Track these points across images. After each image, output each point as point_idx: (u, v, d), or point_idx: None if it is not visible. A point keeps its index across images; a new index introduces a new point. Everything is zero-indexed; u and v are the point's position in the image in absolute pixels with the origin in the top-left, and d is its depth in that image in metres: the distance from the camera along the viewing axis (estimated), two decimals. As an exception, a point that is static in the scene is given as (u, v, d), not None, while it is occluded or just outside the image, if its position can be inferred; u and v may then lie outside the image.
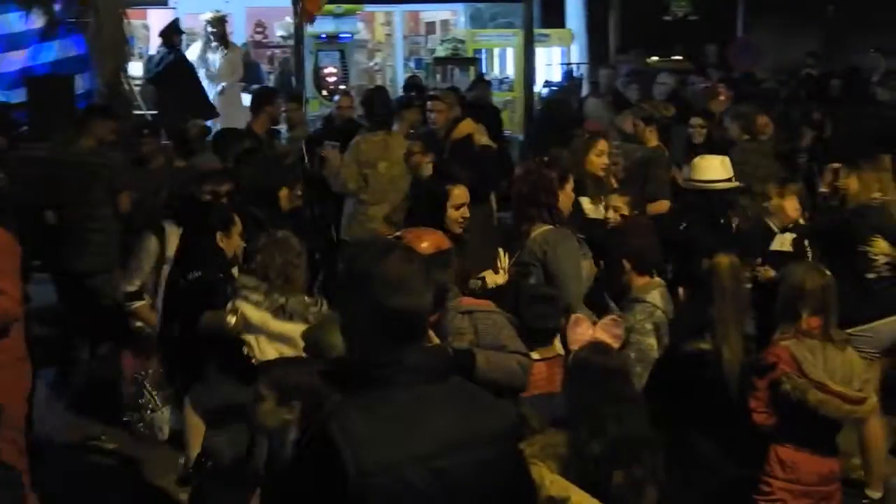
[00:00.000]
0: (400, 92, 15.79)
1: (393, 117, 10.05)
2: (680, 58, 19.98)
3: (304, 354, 4.49)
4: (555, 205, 5.92)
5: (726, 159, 7.42)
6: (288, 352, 5.15)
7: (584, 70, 19.49)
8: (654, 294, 5.58)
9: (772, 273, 6.57)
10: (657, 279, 5.71)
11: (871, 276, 6.69)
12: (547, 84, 18.19)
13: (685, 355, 5.00)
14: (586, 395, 4.25)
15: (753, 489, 5.01)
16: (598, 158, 7.48)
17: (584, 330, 4.69)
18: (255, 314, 5.32)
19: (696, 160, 7.15)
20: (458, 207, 5.71)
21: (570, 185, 6.17)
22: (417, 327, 2.90)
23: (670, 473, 4.27)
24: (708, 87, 13.93)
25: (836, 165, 6.93)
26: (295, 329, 5.16)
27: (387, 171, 9.11)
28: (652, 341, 5.46)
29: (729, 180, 7.17)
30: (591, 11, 20.24)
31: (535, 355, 5.02)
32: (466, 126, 9.69)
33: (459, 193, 5.74)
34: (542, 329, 5.26)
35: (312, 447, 2.77)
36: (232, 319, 5.28)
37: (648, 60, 18.79)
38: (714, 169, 7.14)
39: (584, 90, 17.25)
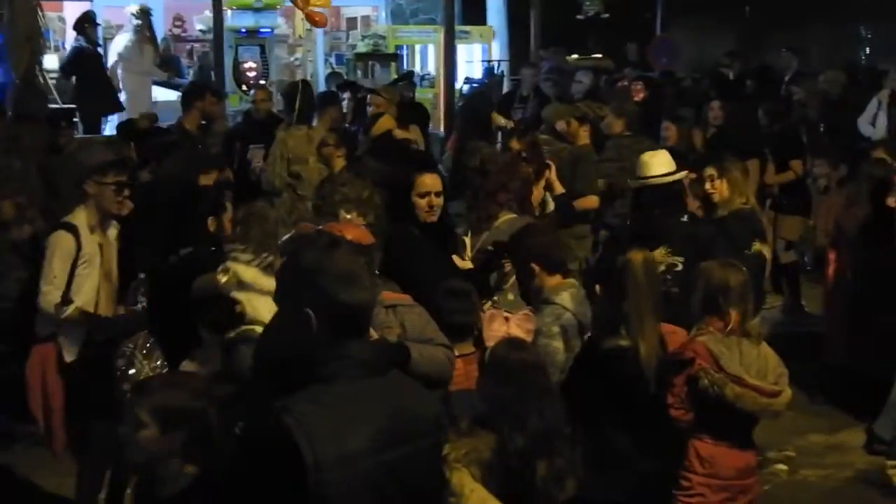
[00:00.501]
0: (322, 87, 15.76)
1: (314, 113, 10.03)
2: (600, 56, 20.15)
3: None
4: (527, 196, 5.94)
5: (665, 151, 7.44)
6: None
7: (504, 67, 19.55)
8: (563, 296, 5.49)
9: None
10: (569, 280, 5.64)
11: None
12: (468, 81, 18.20)
13: (603, 351, 5.01)
14: (506, 390, 4.28)
15: (671, 483, 5.05)
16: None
17: (499, 326, 4.72)
18: (247, 272, 5.31)
19: (646, 157, 7.04)
20: (422, 196, 5.70)
21: (543, 182, 6.29)
22: (365, 322, 2.94)
23: (588, 468, 4.32)
24: (625, 86, 14.07)
25: (710, 171, 6.99)
26: None
27: (316, 165, 9.07)
28: (558, 344, 5.36)
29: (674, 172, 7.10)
30: (511, 8, 20.29)
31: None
32: (386, 122, 9.68)
33: (423, 181, 5.78)
34: (458, 324, 5.26)
35: (264, 444, 2.75)
36: (223, 277, 5.28)
37: (569, 58, 18.91)
38: (667, 162, 7.05)
39: (506, 87, 17.32)
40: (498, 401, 4.26)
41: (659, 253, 6.22)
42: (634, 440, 4.92)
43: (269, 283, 5.12)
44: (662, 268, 6.16)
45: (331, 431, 2.72)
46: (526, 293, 5.72)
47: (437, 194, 6.05)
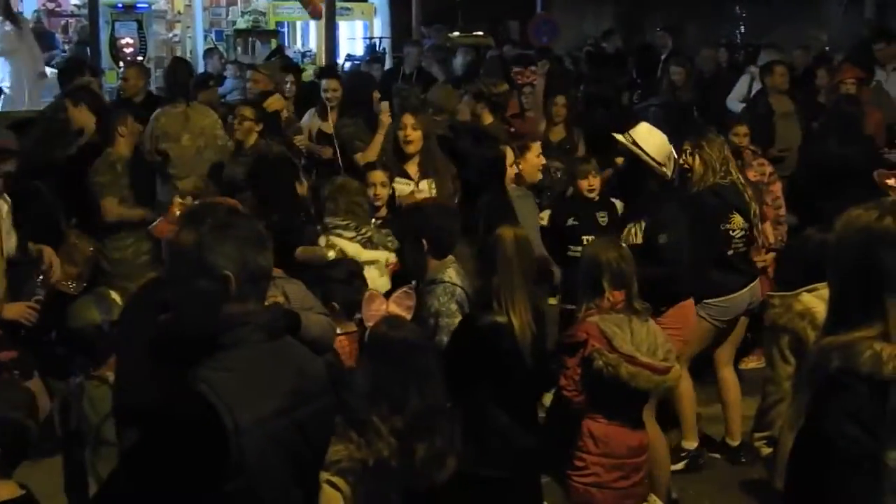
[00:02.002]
0: (201, 64, 15.50)
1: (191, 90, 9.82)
2: (481, 34, 20.19)
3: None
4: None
5: None
6: (376, 274, 6.05)
7: (387, 44, 19.48)
8: (450, 272, 5.51)
9: None
10: (449, 257, 5.66)
11: (731, 251, 6.98)
12: (349, 58, 18.11)
13: (479, 327, 5.03)
14: (386, 370, 4.29)
15: (550, 457, 5.18)
16: (401, 132, 7.50)
17: (379, 305, 4.73)
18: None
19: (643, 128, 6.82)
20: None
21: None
22: (267, 287, 2.97)
23: (468, 444, 4.36)
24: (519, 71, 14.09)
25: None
26: (381, 255, 6.25)
27: (191, 144, 8.84)
28: (454, 320, 5.39)
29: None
30: (393, -15, 20.24)
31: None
32: (276, 101, 9.55)
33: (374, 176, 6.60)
34: (343, 303, 5.38)
35: (181, 414, 2.76)
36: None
37: (450, 35, 18.91)
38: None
39: (388, 64, 17.25)
40: (377, 380, 4.26)
41: (637, 229, 6.43)
42: (513, 415, 4.97)
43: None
44: (742, 233, 6.86)
45: (245, 395, 2.77)
46: (411, 267, 5.77)
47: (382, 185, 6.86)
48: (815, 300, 4.49)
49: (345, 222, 6.29)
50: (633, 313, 5.13)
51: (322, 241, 6.26)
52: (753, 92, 11.77)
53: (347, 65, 17.53)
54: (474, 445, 4.61)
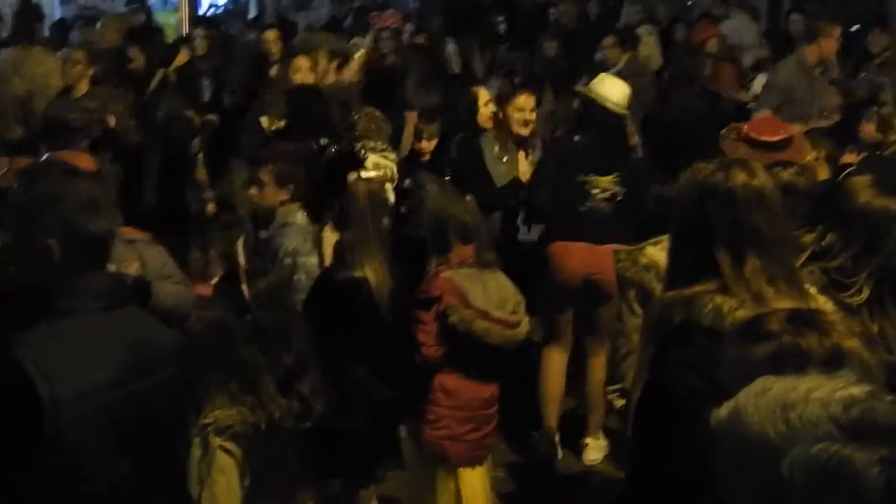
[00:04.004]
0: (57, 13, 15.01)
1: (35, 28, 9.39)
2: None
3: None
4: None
5: None
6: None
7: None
8: (299, 215, 5.62)
9: None
10: (295, 203, 5.69)
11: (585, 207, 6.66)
12: (212, 6, 17.72)
13: (336, 282, 5.05)
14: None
15: (413, 413, 5.18)
16: (298, 75, 7.75)
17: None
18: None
19: (613, 81, 6.72)
20: None
21: (513, 105, 6.96)
22: (105, 252, 2.86)
23: (328, 398, 4.33)
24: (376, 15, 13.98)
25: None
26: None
27: (18, 88, 8.26)
28: (314, 259, 5.52)
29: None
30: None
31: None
32: (183, 55, 9.30)
33: None
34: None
35: None
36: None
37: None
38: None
39: (252, 12, 16.95)
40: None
41: (608, 180, 6.35)
42: (371, 369, 5.02)
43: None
44: (608, 194, 6.37)
45: (69, 367, 2.66)
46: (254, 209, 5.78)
47: None
48: (660, 252, 4.54)
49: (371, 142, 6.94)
50: (483, 266, 5.12)
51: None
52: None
53: (210, 12, 17.15)
54: (333, 398, 4.58)
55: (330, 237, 5.47)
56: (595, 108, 6.49)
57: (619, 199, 6.36)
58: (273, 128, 7.40)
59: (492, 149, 7.11)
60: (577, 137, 6.77)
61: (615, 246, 6.13)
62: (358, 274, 4.99)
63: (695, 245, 3.08)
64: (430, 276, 5.15)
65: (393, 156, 7.04)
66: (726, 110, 9.17)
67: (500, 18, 14.44)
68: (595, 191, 6.38)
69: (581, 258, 6.33)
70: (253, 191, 5.68)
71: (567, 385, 6.60)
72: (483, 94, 7.33)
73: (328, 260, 5.41)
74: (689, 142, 6.34)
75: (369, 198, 5.07)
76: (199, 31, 9.70)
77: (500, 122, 7.15)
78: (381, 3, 12.93)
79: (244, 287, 5.54)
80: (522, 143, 7.16)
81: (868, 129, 7.35)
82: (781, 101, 8.26)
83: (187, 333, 4.09)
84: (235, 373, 3.83)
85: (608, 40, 10.36)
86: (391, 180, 6.75)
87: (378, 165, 6.78)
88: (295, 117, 7.47)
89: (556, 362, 6.49)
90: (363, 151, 6.84)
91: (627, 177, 6.40)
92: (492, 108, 7.36)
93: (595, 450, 6.50)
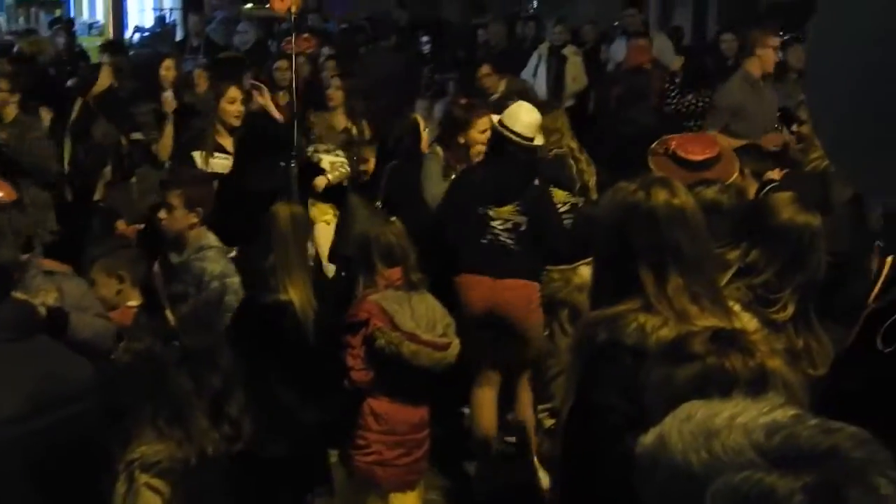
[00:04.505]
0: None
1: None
2: (274, 5, 19.82)
3: None
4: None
5: None
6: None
7: (177, 16, 18.99)
8: (210, 237, 5.58)
9: None
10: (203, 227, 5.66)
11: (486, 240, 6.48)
12: (138, 30, 17.59)
13: (261, 305, 5.03)
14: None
15: (342, 438, 5.13)
16: (231, 106, 7.34)
17: None
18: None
19: (520, 110, 6.52)
20: None
21: (476, 128, 6.81)
22: (8, 281, 2.76)
23: (255, 423, 4.27)
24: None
25: None
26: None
27: None
28: (238, 279, 5.48)
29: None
30: (182, -46, 19.70)
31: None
32: (107, 77, 9.14)
33: None
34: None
35: None
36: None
37: (244, 8, 18.56)
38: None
39: (178, 36, 16.84)
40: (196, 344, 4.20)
41: (508, 210, 6.21)
42: (298, 394, 4.97)
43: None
44: (509, 224, 6.20)
45: None
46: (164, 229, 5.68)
47: None
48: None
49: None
50: (410, 288, 5.10)
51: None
52: (539, 69, 11.94)
53: (137, 36, 17.02)
54: (260, 425, 4.52)
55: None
56: (499, 139, 6.38)
57: (521, 228, 6.21)
58: (206, 163, 7.25)
59: (436, 169, 7.00)
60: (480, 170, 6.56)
61: (516, 281, 6.15)
62: (282, 297, 4.95)
63: (618, 264, 3.08)
64: (356, 299, 5.11)
65: (343, 156, 7.29)
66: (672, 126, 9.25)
67: (426, 39, 14.48)
68: (495, 222, 6.23)
69: (483, 292, 6.19)
70: (162, 214, 5.62)
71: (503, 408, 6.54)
72: (484, 123, 7.05)
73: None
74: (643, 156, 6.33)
75: (291, 221, 5.04)
76: (104, 58, 9.54)
77: (460, 147, 7.01)
78: (305, 27, 12.89)
79: (167, 312, 5.46)
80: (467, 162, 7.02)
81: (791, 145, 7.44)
82: (730, 119, 8.32)
83: (115, 364, 4.02)
84: (164, 405, 3.74)
85: (484, 69, 10.20)
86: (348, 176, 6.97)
87: (334, 164, 7.00)
88: (253, 141, 7.39)
89: (483, 397, 6.34)
90: (316, 156, 7.06)
91: (529, 206, 6.23)
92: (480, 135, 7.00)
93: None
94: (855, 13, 2.70)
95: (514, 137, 6.27)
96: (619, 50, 11.85)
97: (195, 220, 5.54)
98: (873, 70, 2.66)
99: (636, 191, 3.09)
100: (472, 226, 6.22)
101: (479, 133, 6.86)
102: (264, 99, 7.78)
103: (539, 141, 6.40)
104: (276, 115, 7.72)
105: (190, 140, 7.40)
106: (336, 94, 8.79)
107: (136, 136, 8.43)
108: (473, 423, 6.36)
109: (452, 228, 6.33)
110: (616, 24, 13.65)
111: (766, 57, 8.51)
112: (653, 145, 6.07)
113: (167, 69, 8.86)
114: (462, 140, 6.97)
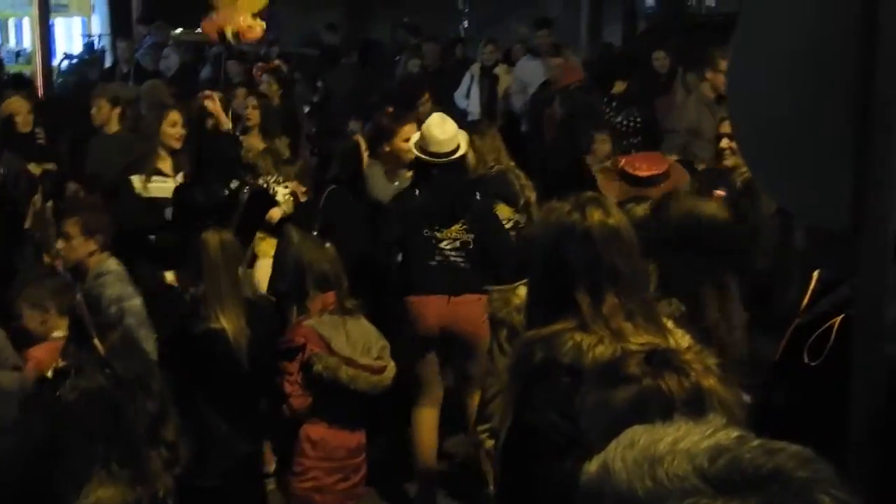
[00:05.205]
0: None
1: None
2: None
3: None
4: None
5: None
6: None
7: (106, 42, 18.81)
8: (110, 262, 5.56)
9: None
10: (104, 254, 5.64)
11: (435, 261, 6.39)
12: (66, 56, 17.39)
13: (193, 334, 4.98)
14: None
15: (283, 467, 5.09)
16: (173, 129, 7.25)
17: None
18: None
19: (430, 128, 6.38)
20: None
21: (399, 137, 6.79)
22: None
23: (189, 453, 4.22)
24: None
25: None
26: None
27: None
28: (138, 301, 5.47)
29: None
30: (111, -21, 19.54)
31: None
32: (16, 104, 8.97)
33: None
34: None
35: None
36: None
37: (173, 33, 18.41)
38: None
39: (107, 62, 16.67)
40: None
41: (455, 230, 6.16)
42: (232, 423, 4.93)
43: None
44: (457, 244, 6.14)
45: None
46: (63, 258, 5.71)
47: None
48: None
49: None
50: (344, 313, 5.07)
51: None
52: (472, 90, 11.96)
53: (65, 63, 16.82)
54: (194, 454, 4.46)
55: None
56: (420, 165, 6.30)
57: (470, 246, 6.17)
58: (145, 187, 7.17)
59: (380, 176, 6.97)
60: (416, 192, 6.40)
61: (470, 296, 6.14)
62: (214, 325, 4.90)
63: (554, 284, 3.07)
64: (291, 325, 5.07)
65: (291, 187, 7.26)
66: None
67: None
68: (443, 243, 6.18)
69: (438, 310, 6.11)
70: (60, 244, 5.58)
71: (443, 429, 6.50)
72: (408, 131, 7.00)
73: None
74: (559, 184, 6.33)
75: (221, 249, 4.99)
76: (9, 93, 9.34)
77: (387, 156, 6.99)
78: (238, 52, 12.80)
79: (95, 341, 5.38)
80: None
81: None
82: (687, 142, 8.36)
83: (60, 402, 3.94)
84: (117, 446, 3.65)
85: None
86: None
87: (286, 197, 7.01)
88: (207, 163, 7.32)
89: (426, 416, 6.26)
90: (272, 187, 7.07)
91: (475, 223, 6.20)
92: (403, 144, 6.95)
93: None
94: (774, 31, 2.72)
95: (433, 159, 6.21)
96: (526, 70, 11.83)
97: (94, 247, 5.53)
98: (793, 87, 2.69)
99: (571, 211, 3.09)
100: (420, 249, 6.17)
101: (404, 141, 6.83)
102: (215, 107, 7.77)
103: (463, 148, 6.32)
104: (227, 123, 7.83)
105: (132, 164, 7.29)
106: (253, 114, 8.73)
107: (48, 166, 8.30)
108: (415, 443, 6.29)
109: (400, 252, 6.30)
110: (517, 45, 13.49)
111: (716, 79, 8.50)
112: (606, 163, 6.12)
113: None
114: (388, 149, 6.98)
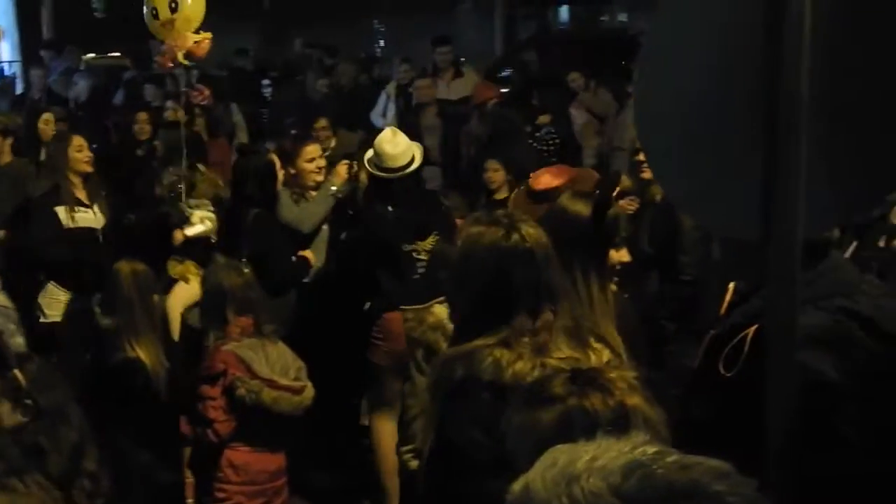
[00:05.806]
0: None
1: None
2: (118, 54, 19.50)
3: None
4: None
5: None
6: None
7: (17, 68, 18.51)
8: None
9: None
10: None
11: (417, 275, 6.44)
12: (-27, 82, 17.08)
13: (110, 367, 4.98)
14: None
15: (205, 494, 5.05)
16: (80, 154, 7.15)
17: None
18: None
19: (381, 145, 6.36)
20: None
21: (302, 157, 6.73)
22: None
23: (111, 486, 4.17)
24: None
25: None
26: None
27: None
28: (21, 339, 5.57)
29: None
30: (20, 4, 19.20)
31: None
32: None
33: None
34: None
35: None
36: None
37: (85, 58, 18.18)
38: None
39: (18, 88, 16.40)
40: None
41: (431, 241, 6.14)
42: (153, 452, 4.94)
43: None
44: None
45: None
46: None
47: None
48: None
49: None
50: (262, 337, 5.06)
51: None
52: (388, 109, 11.96)
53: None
54: (116, 486, 4.41)
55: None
56: (378, 182, 6.30)
57: None
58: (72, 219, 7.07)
59: (286, 198, 6.89)
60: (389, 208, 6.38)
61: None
62: (130, 355, 4.89)
63: (491, 304, 3.06)
64: (210, 350, 5.03)
65: (212, 211, 6.99)
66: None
67: (267, 82, 14.40)
68: (423, 256, 6.23)
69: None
70: None
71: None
72: (310, 151, 7.00)
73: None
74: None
75: (134, 280, 4.97)
76: None
77: (293, 178, 6.95)
78: (147, 76, 12.68)
79: (16, 372, 5.29)
80: (317, 187, 6.95)
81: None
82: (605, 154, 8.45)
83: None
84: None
85: (321, 122, 10.12)
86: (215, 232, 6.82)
87: (203, 219, 6.82)
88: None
89: (389, 432, 6.16)
90: (187, 209, 6.90)
91: (445, 233, 6.18)
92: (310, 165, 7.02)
93: None
94: (680, 45, 2.75)
95: (387, 175, 6.20)
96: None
97: None
98: (700, 99, 2.73)
99: (508, 234, 3.09)
100: (400, 264, 6.17)
101: (307, 162, 6.87)
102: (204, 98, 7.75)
103: (418, 159, 6.31)
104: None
105: (47, 195, 7.12)
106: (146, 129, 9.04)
107: None
108: (378, 454, 6.26)
109: (378, 269, 6.24)
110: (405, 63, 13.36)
111: None
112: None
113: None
114: (293, 171, 6.96)
